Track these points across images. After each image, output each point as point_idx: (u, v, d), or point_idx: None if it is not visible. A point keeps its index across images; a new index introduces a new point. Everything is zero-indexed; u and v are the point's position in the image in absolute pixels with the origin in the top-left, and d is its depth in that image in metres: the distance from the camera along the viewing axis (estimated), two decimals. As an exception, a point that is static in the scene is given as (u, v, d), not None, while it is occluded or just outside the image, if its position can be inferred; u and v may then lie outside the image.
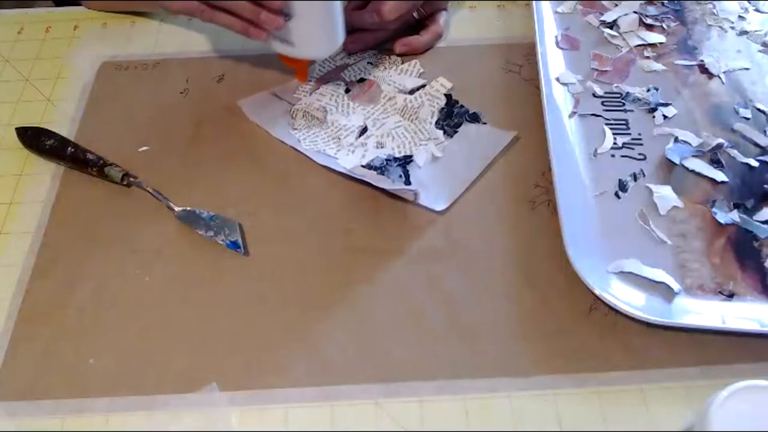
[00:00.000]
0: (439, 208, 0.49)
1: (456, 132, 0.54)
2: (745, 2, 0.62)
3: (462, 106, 0.56)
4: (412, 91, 0.57)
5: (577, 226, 0.45)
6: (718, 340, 0.43)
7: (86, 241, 0.48)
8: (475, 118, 0.55)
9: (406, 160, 0.52)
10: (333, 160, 0.52)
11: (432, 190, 0.50)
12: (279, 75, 0.58)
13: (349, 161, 0.52)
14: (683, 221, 0.47)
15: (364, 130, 0.54)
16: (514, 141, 0.53)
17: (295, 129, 0.55)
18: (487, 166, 0.52)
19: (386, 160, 0.52)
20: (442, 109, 0.56)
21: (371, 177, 0.50)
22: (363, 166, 0.51)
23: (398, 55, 0.59)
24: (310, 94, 0.57)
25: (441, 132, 0.54)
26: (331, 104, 0.56)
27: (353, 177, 0.51)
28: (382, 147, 0.53)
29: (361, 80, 0.58)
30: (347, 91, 0.57)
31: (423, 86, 0.57)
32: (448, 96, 0.56)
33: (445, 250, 0.48)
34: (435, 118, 0.55)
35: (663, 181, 0.49)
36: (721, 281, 0.44)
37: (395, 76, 0.58)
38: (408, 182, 0.51)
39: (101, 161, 0.51)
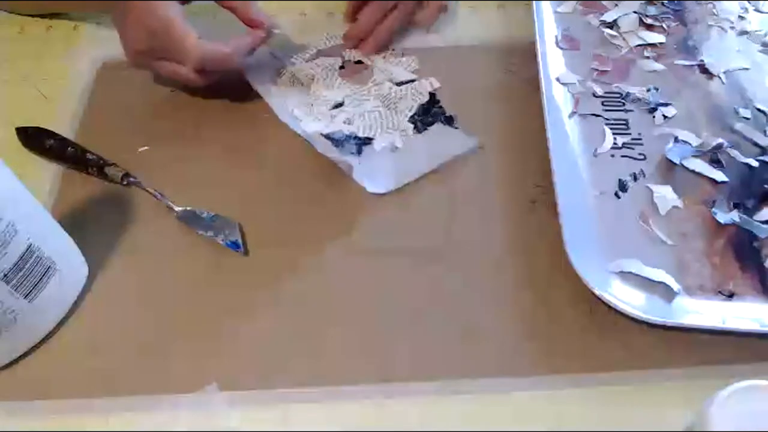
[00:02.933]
0: (374, 190, 0.50)
1: (426, 129, 0.55)
2: (745, 2, 0.62)
3: (441, 107, 0.56)
4: (400, 83, 0.58)
5: (577, 226, 0.45)
6: (718, 340, 0.43)
7: (86, 241, 0.48)
8: (449, 122, 0.55)
9: (365, 141, 0.53)
10: (296, 122, 0.54)
11: (377, 174, 0.51)
12: (279, 75, 0.58)
13: (311, 126, 0.53)
14: (683, 221, 0.47)
15: (339, 104, 0.56)
16: (509, 145, 0.53)
17: (276, 86, 0.56)
18: (488, 166, 0.52)
19: (347, 135, 0.53)
20: (422, 105, 0.56)
21: (321, 146, 0.51)
22: (322, 135, 0.53)
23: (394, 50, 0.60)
24: (306, 61, 0.58)
25: (411, 126, 0.55)
26: (320, 75, 0.57)
27: (350, 172, 0.51)
28: (350, 124, 0.54)
29: (358, 62, 0.59)
30: (341, 67, 0.59)
31: (413, 81, 0.58)
32: (432, 95, 0.57)
33: (445, 250, 0.48)
34: (412, 112, 0.56)
35: (663, 181, 0.49)
36: (721, 281, 0.44)
37: (391, 67, 0.59)
38: (359, 155, 0.53)
39: (101, 161, 0.51)
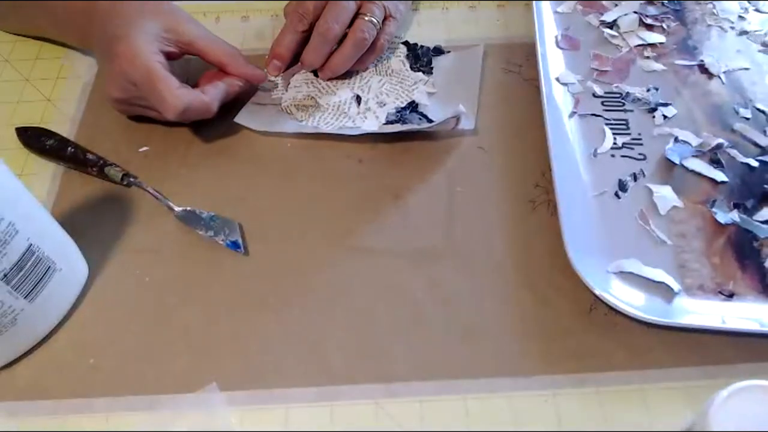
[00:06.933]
0: (470, 126, 0.53)
1: (432, 68, 0.58)
2: (745, 2, 0.62)
3: (422, 46, 0.60)
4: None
5: (577, 226, 0.45)
6: (718, 340, 0.43)
7: (86, 242, 0.48)
8: (439, 51, 0.59)
9: (413, 106, 0.55)
10: (358, 129, 0.54)
11: (451, 109, 0.52)
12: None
13: (370, 125, 0.54)
14: (683, 221, 0.47)
15: (359, 98, 0.56)
16: (513, 138, 0.53)
17: (302, 121, 0.55)
18: (488, 166, 0.52)
19: (398, 112, 0.54)
20: (408, 55, 0.59)
21: (406, 127, 0.52)
22: (384, 125, 0.54)
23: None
24: (287, 91, 0.57)
25: (420, 74, 0.57)
26: (312, 91, 0.57)
27: (352, 175, 0.51)
28: (384, 105, 0.55)
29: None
30: (316, 75, 0.58)
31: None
32: (405, 43, 0.60)
33: (445, 250, 0.48)
34: (407, 65, 0.58)
35: (663, 181, 0.49)
36: (721, 281, 0.44)
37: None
38: (430, 120, 0.53)
39: (101, 161, 0.51)
